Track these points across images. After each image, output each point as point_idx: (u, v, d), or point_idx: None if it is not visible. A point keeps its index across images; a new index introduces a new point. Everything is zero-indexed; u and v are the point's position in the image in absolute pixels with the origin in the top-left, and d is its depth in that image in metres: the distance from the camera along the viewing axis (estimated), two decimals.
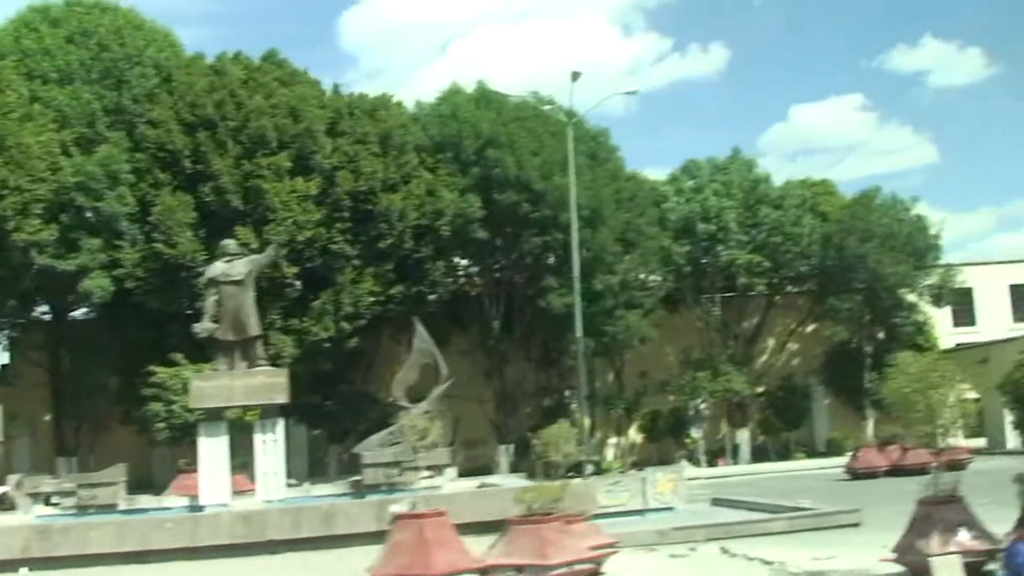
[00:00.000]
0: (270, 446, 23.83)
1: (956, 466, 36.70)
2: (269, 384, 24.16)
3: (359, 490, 24.35)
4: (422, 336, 26.62)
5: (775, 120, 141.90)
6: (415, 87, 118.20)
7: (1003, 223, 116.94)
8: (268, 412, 23.99)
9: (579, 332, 35.02)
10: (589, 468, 45.62)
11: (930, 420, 16.20)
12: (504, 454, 44.02)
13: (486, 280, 44.29)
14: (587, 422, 50.45)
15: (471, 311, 44.73)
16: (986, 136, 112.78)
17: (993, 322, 57.91)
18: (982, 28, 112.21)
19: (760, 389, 51.52)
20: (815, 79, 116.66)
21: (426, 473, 25.04)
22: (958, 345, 55.29)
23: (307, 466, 44.49)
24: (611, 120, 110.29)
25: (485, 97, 41.67)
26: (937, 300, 51.68)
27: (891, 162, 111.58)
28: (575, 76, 35.15)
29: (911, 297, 51.40)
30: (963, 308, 58.57)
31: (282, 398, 24.08)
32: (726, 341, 50.51)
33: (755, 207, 47.74)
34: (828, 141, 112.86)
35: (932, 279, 50.87)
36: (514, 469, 41.67)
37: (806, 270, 49.76)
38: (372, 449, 25.23)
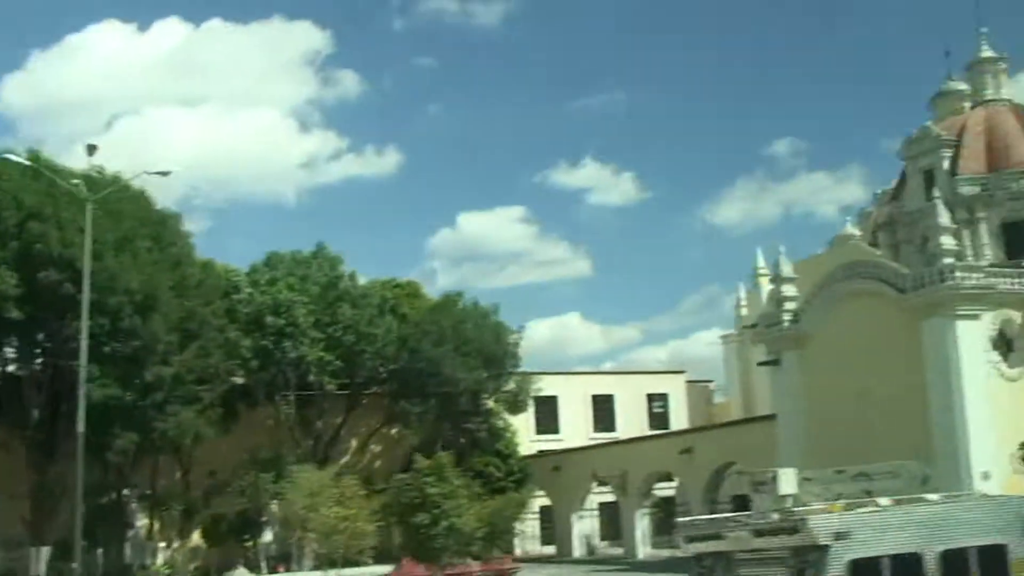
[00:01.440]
0: None
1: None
2: None
3: None
4: None
5: (444, 225, 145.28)
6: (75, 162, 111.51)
7: (648, 337, 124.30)
8: None
9: (80, 427, 31.97)
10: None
11: (326, 537, 15.21)
12: (36, 557, 39.91)
13: (27, 365, 40.50)
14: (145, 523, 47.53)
15: (10, 397, 40.72)
16: (635, 255, 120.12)
17: (575, 430, 59.62)
18: (637, 155, 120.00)
19: None
20: (483, 188, 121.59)
21: None
22: (540, 452, 56.45)
23: None
24: (279, 212, 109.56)
25: (36, 169, 38.39)
26: (513, 407, 52.41)
27: (550, 273, 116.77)
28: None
29: (491, 403, 51.92)
30: (547, 415, 60.02)
31: None
32: (302, 440, 48.84)
33: (334, 304, 46.80)
34: (492, 249, 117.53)
35: (509, 386, 51.59)
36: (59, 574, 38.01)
37: (384, 371, 49.16)
38: None
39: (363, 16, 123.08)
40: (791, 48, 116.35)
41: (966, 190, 39.28)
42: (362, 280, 50.84)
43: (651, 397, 63.29)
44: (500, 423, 52.94)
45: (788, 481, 22.65)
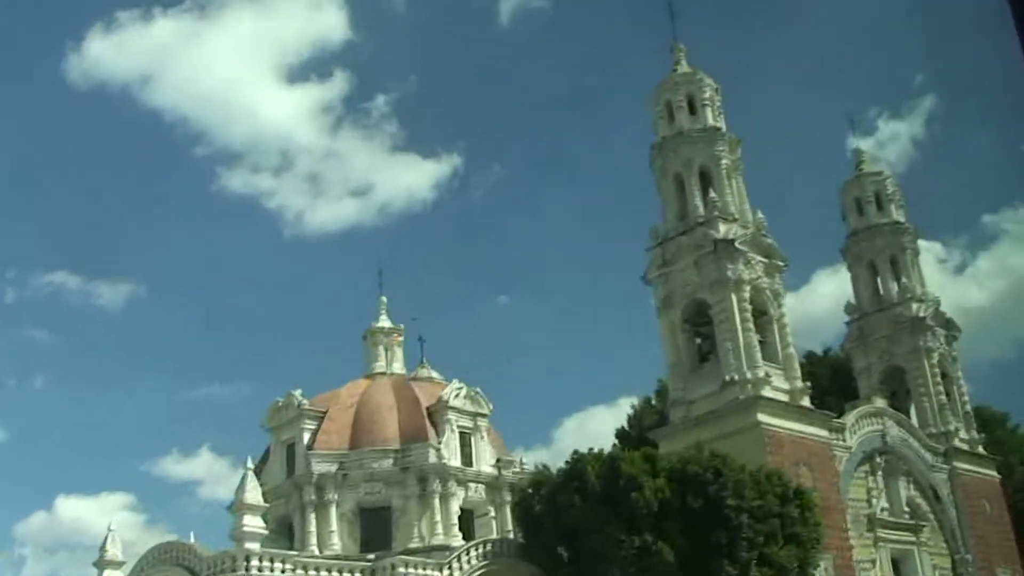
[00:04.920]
0: None
1: None
2: None
3: None
4: None
5: (39, 508, 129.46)
6: None
7: None
8: None
9: None
10: None
11: None
12: None
13: None
14: None
15: None
16: None
17: None
18: (256, 450, 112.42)
19: None
20: (87, 472, 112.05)
21: None
22: None
23: None
24: None
25: None
26: None
27: None
28: None
29: None
30: None
31: None
32: None
33: None
34: (93, 537, 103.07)
35: None
36: None
37: None
38: None
39: None
40: None
41: (320, 468, 34.60)
42: None
43: None
44: None
45: None
